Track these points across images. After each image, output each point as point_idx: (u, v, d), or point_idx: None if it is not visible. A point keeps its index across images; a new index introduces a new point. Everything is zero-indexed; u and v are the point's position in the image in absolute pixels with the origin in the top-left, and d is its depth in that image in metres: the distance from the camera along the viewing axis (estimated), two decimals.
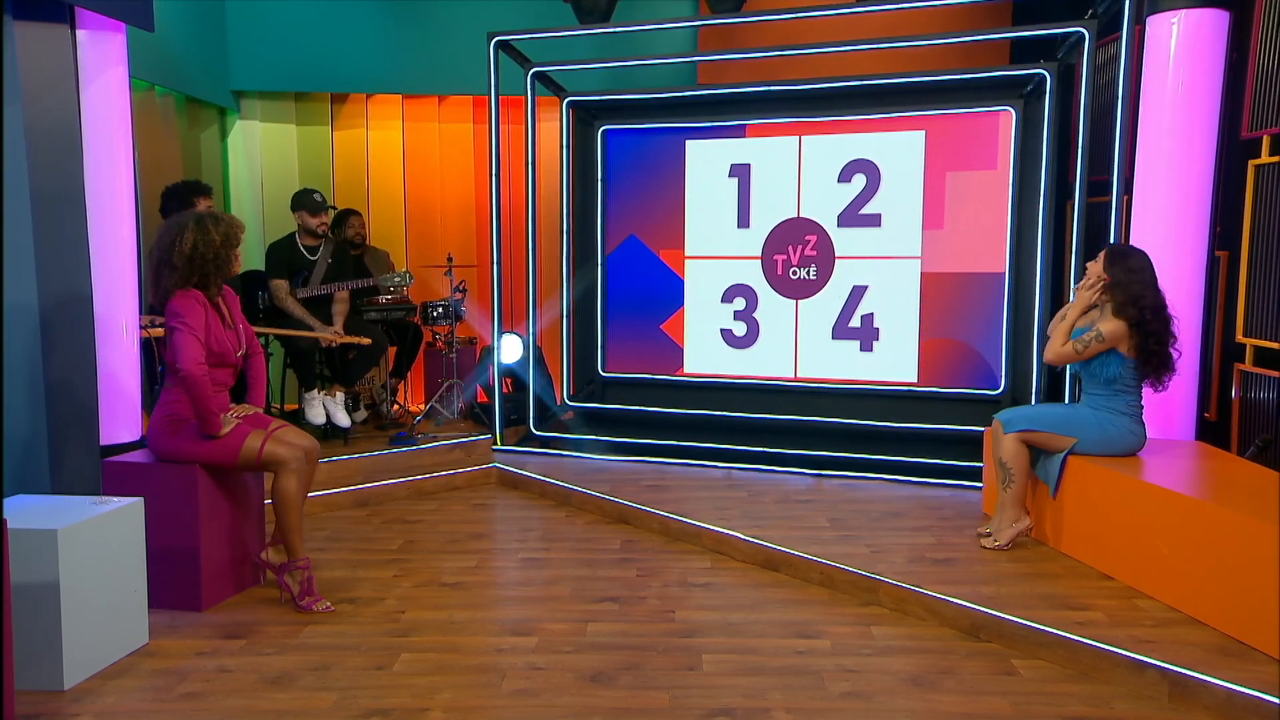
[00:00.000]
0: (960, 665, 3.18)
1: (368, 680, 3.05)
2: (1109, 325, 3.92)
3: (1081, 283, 4.11)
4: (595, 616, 3.57)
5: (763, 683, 3.04)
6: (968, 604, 3.44)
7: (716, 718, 2.82)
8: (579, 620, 3.54)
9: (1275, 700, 2.74)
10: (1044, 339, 4.45)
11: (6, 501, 3.26)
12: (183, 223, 3.65)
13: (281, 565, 3.69)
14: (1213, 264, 4.68)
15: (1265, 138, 4.47)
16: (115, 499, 3.26)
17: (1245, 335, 4.59)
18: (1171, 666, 2.95)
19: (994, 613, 3.37)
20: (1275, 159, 4.39)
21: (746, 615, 3.60)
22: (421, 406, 6.84)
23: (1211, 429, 4.82)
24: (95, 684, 3.02)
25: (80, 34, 4.25)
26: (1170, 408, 4.52)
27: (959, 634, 3.42)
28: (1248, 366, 4.57)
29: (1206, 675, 2.89)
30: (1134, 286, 3.93)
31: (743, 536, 4.21)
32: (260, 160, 7.14)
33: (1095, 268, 4.04)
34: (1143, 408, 4.03)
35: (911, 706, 2.89)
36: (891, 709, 2.88)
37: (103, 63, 4.33)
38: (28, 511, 3.10)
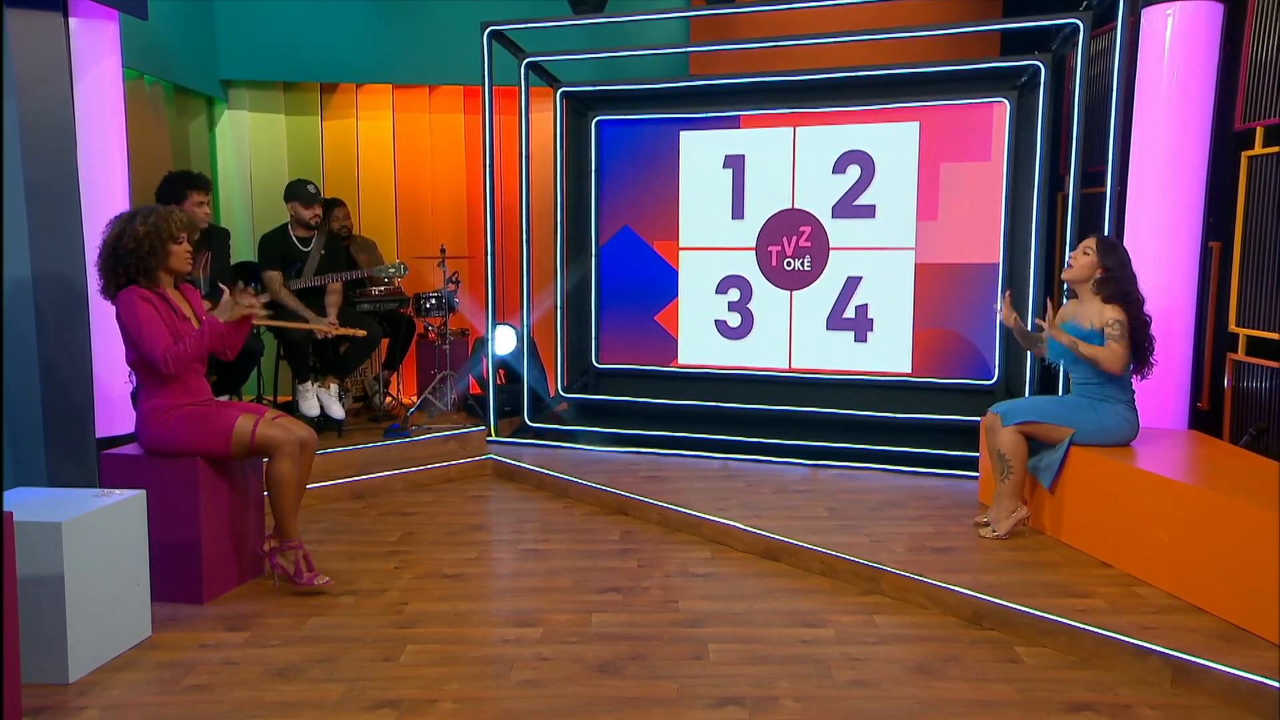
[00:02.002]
0: (964, 653, 3.20)
1: (375, 672, 3.04)
2: (1119, 312, 3.94)
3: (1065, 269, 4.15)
4: (599, 607, 3.58)
5: (770, 671, 3.05)
6: (970, 592, 3.46)
7: (726, 706, 2.83)
8: (583, 611, 3.54)
9: (1277, 685, 2.78)
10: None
11: (6, 494, 3.23)
12: (121, 219, 3.62)
13: (272, 550, 3.68)
14: (1205, 254, 4.72)
15: (1258, 129, 4.51)
16: (117, 491, 3.23)
17: (1238, 325, 4.63)
18: (1174, 652, 2.98)
19: (996, 601, 3.39)
20: (1268, 150, 4.43)
21: (750, 605, 3.61)
22: (413, 399, 6.82)
23: (1203, 418, 4.86)
24: (100, 677, 3.00)
25: (73, 22, 4.21)
26: (1163, 397, 4.56)
27: (961, 622, 3.44)
28: (1240, 356, 4.62)
29: (1208, 661, 2.92)
30: (1125, 277, 3.98)
31: (743, 527, 4.22)
32: (249, 150, 7.08)
33: (1087, 259, 4.05)
34: (1134, 393, 4.06)
35: (918, 694, 2.91)
36: (899, 697, 2.90)
37: (96, 52, 4.30)
38: (29, 504, 3.08)
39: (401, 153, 7.38)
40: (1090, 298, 4.04)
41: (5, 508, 2.49)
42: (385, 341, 6.31)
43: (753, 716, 2.77)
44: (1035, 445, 4.13)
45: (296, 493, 3.64)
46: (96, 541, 3.05)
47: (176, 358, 3.50)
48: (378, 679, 3.00)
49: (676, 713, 2.79)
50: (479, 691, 2.92)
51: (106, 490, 3.26)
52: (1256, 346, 4.55)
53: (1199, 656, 2.95)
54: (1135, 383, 4.08)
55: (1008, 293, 4.45)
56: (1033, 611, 3.29)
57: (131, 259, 3.54)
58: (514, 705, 2.84)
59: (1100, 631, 3.13)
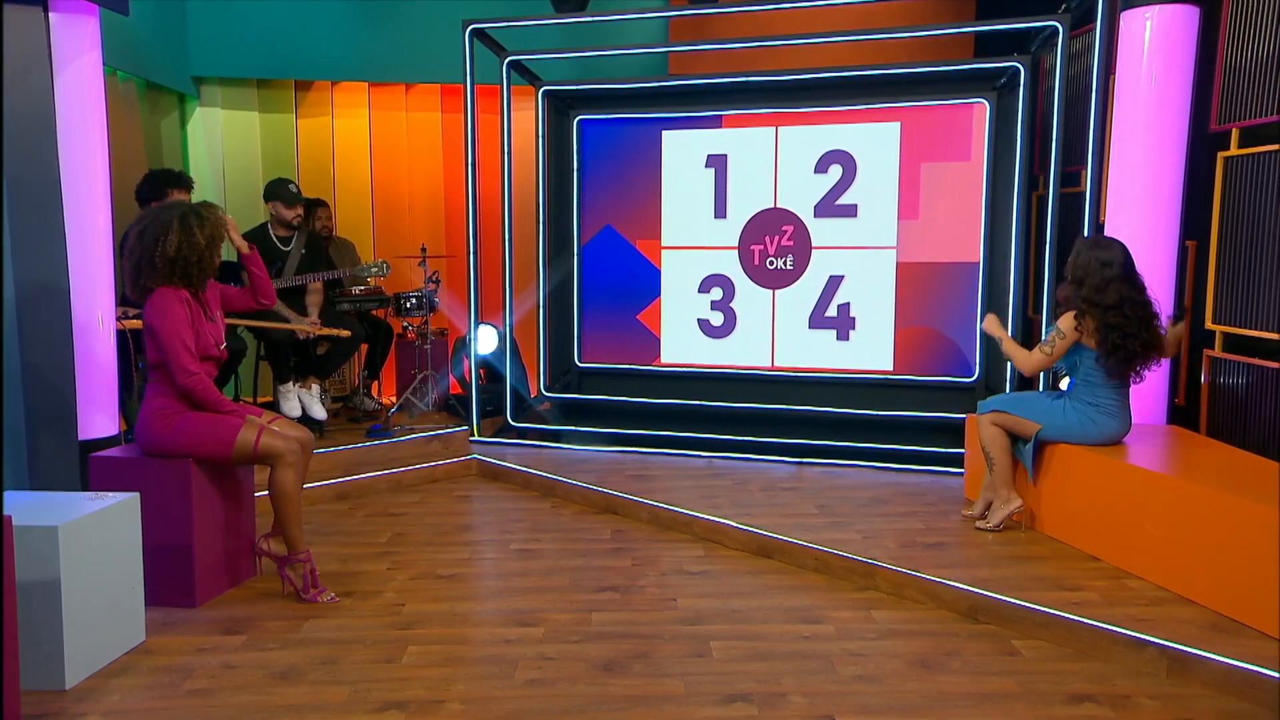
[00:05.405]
0: (963, 647, 3.24)
1: (378, 673, 3.02)
2: (1065, 320, 4.01)
3: None
4: (598, 606, 3.57)
5: (774, 668, 3.07)
6: (965, 587, 3.51)
7: (734, 703, 2.84)
8: (582, 610, 3.53)
9: (1272, 674, 2.84)
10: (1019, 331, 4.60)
11: None
12: (166, 221, 3.49)
13: (282, 559, 3.63)
14: (1182, 253, 4.80)
15: (1234, 130, 4.60)
16: (112, 494, 3.18)
17: (1214, 322, 4.72)
18: (1169, 643, 3.04)
19: (992, 595, 3.44)
20: (1244, 151, 4.52)
21: (748, 602, 3.62)
22: (393, 399, 6.77)
23: (1181, 414, 4.95)
24: (97, 682, 2.95)
25: (53, 17, 4.13)
26: (1142, 394, 4.62)
27: (958, 616, 3.48)
28: (1217, 352, 4.71)
29: (1203, 651, 2.98)
30: (1087, 281, 3.96)
31: (736, 524, 4.24)
32: (221, 148, 6.98)
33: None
34: (1116, 401, 4.05)
35: (922, 689, 2.94)
36: (903, 691, 2.93)
37: (77, 47, 4.21)
38: (22, 507, 3.01)
39: (378, 151, 7.33)
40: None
41: (3, 512, 2.44)
42: (364, 346, 6.26)
43: (761, 713, 2.79)
44: (1016, 439, 4.20)
45: (299, 499, 3.60)
46: (92, 545, 3.00)
47: (193, 385, 3.48)
48: (382, 680, 2.98)
49: (686, 710, 2.80)
50: (486, 691, 2.91)
51: (101, 493, 3.20)
52: (1233, 343, 4.64)
53: (1193, 647, 3.01)
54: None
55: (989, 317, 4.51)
56: (1029, 605, 3.34)
57: (194, 268, 3.51)
58: (522, 705, 2.83)
59: (1096, 624, 3.18)
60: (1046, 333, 4.21)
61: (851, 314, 5.85)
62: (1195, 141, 4.70)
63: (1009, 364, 5.36)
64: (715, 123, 6.00)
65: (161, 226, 3.48)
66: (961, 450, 4.82)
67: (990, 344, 5.59)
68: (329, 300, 5.89)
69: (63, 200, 4.12)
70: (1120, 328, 3.90)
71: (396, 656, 3.14)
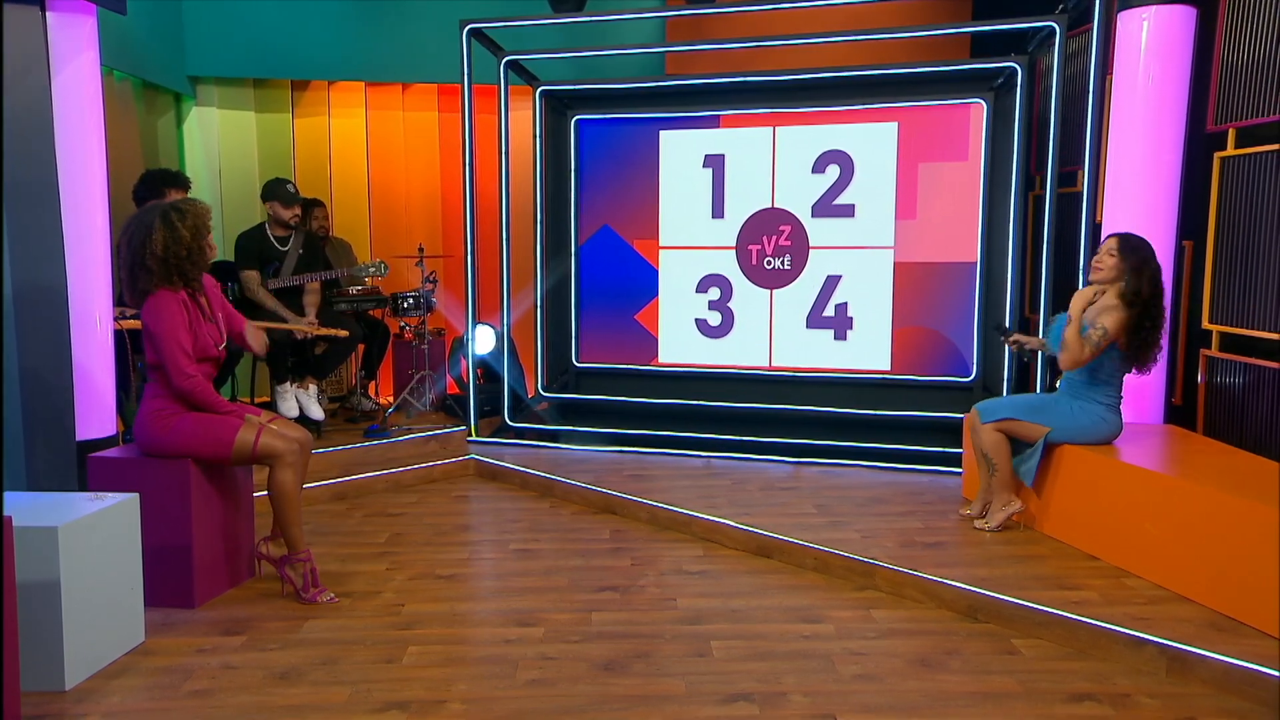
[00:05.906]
0: (963, 646, 3.24)
1: (379, 674, 3.02)
2: (1113, 319, 3.89)
3: (1093, 271, 4.08)
4: (598, 606, 3.57)
5: (774, 667, 3.07)
6: (965, 586, 3.51)
7: (736, 703, 2.84)
8: (582, 610, 3.53)
9: (1271, 673, 2.85)
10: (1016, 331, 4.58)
11: None
12: (148, 223, 3.48)
13: (282, 559, 3.63)
14: (1179, 253, 4.82)
15: (1230, 130, 4.62)
16: (111, 494, 3.17)
17: (1211, 322, 4.74)
18: (1169, 642, 3.05)
19: (991, 594, 3.44)
20: (1240, 151, 4.54)
21: (747, 601, 3.63)
22: (390, 399, 6.76)
23: (1178, 413, 4.97)
24: (97, 684, 2.94)
25: (51, 17, 4.12)
26: (1140, 393, 4.65)
27: (957, 615, 3.49)
28: (1213, 352, 4.72)
29: (1203, 650, 2.99)
30: (1145, 279, 3.92)
31: (735, 524, 4.24)
32: (218, 148, 6.97)
33: (1113, 260, 3.99)
34: (1119, 399, 4.10)
35: (923, 688, 2.95)
36: (904, 690, 2.93)
37: (74, 47, 4.21)
38: (23, 508, 3.00)
39: (375, 151, 7.32)
40: (1112, 297, 3.98)
41: (4, 513, 2.44)
42: (361, 347, 6.25)
43: (763, 712, 2.79)
44: (1016, 443, 4.18)
45: (299, 499, 3.59)
46: (92, 545, 2.99)
47: (190, 388, 3.47)
48: (383, 680, 2.97)
49: (687, 710, 2.80)
50: (487, 691, 2.91)
51: (100, 493, 3.19)
52: (1230, 343, 4.65)
53: (1193, 646, 3.01)
54: (1131, 376, 4.12)
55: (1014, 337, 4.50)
56: (1028, 604, 3.35)
57: (186, 263, 3.48)
58: (524, 705, 2.83)
59: (1096, 623, 3.19)
60: (1052, 331, 4.21)
61: (849, 314, 5.86)
62: (1192, 142, 4.72)
63: (1006, 364, 5.38)
64: (713, 123, 6.01)
65: (145, 229, 3.47)
66: (959, 450, 4.83)
67: (989, 343, 5.61)
68: (326, 300, 5.88)
69: (60, 200, 4.11)
70: (1152, 320, 3.91)
71: (397, 657, 3.14)
